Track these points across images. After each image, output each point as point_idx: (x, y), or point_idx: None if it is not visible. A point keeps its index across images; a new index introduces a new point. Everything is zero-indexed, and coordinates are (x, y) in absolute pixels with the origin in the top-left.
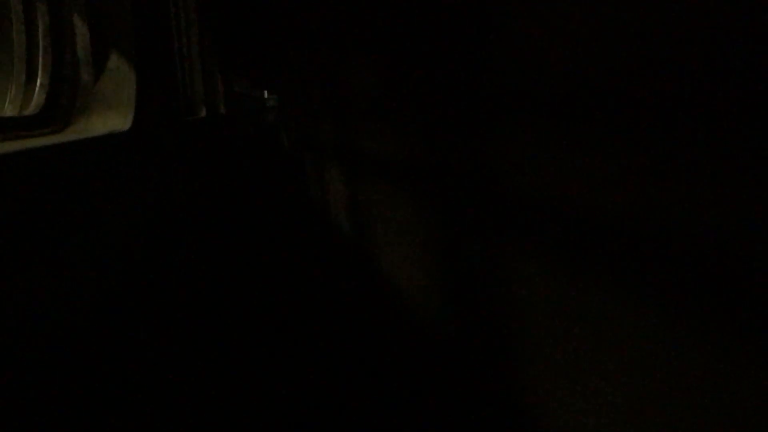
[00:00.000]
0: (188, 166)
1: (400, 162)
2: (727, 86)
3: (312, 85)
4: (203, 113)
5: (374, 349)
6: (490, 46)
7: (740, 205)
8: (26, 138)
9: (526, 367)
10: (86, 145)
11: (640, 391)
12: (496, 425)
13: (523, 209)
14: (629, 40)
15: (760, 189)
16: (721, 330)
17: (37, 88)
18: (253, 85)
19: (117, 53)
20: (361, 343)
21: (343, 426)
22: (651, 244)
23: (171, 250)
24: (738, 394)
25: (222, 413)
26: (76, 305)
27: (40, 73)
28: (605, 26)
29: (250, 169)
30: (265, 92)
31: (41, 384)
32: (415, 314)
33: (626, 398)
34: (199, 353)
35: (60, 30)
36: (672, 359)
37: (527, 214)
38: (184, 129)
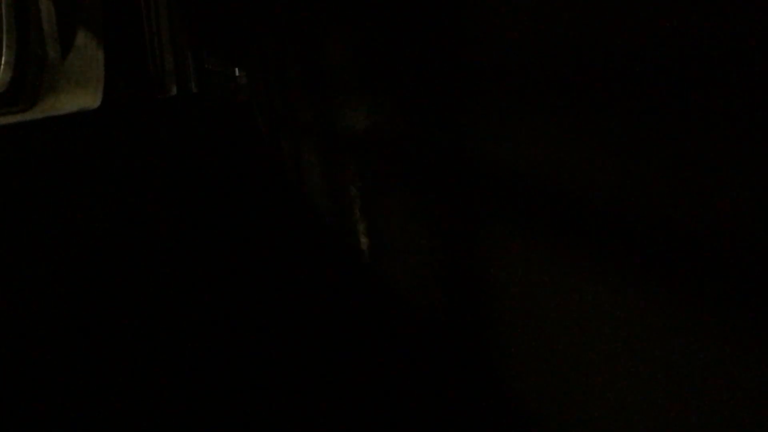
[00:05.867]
0: (159, 144)
1: (379, 141)
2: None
3: (287, 63)
4: (174, 91)
5: (356, 333)
6: (465, 25)
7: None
8: None
9: (515, 350)
10: (55, 123)
11: (622, 375)
12: (488, 408)
13: (504, 185)
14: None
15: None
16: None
17: (2, 66)
18: (224, 62)
19: (84, 30)
20: (342, 326)
21: (333, 409)
22: (636, 226)
23: (141, 231)
24: (745, 390)
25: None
26: (44, 289)
27: (4, 50)
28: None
29: (224, 148)
30: (236, 70)
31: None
32: (400, 297)
33: (608, 384)
34: (175, 334)
35: (24, 6)
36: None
37: (510, 190)
38: (154, 107)
